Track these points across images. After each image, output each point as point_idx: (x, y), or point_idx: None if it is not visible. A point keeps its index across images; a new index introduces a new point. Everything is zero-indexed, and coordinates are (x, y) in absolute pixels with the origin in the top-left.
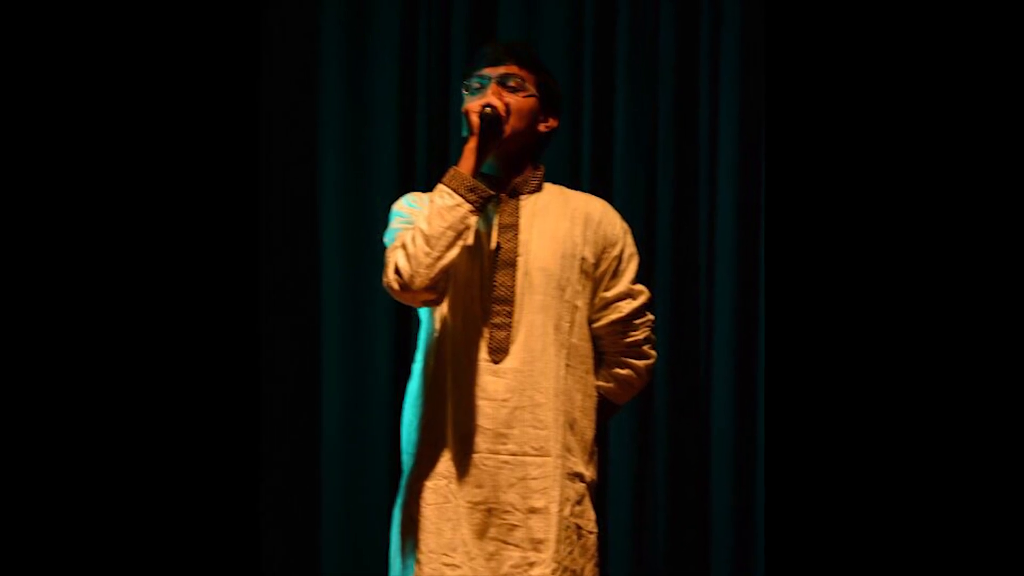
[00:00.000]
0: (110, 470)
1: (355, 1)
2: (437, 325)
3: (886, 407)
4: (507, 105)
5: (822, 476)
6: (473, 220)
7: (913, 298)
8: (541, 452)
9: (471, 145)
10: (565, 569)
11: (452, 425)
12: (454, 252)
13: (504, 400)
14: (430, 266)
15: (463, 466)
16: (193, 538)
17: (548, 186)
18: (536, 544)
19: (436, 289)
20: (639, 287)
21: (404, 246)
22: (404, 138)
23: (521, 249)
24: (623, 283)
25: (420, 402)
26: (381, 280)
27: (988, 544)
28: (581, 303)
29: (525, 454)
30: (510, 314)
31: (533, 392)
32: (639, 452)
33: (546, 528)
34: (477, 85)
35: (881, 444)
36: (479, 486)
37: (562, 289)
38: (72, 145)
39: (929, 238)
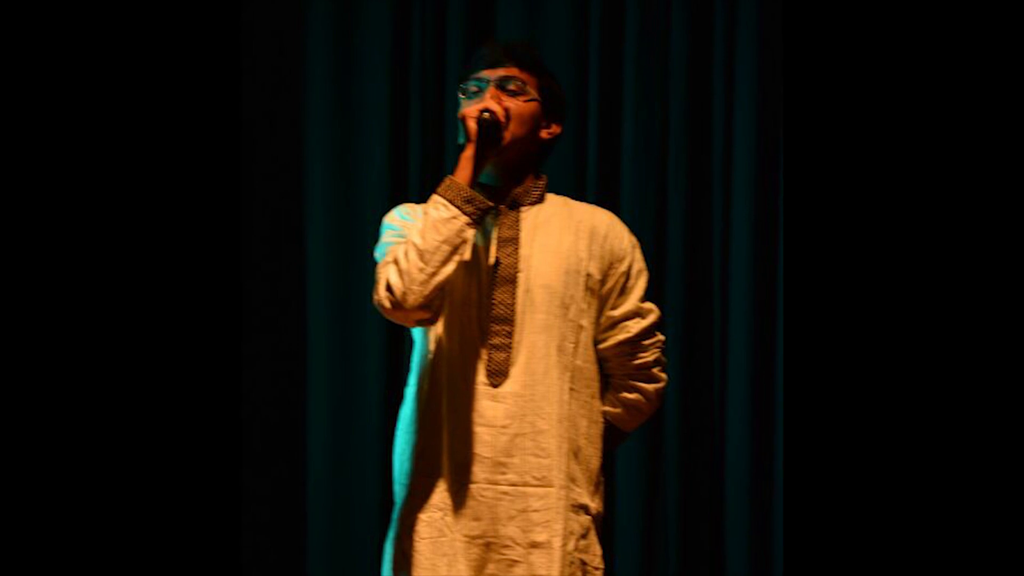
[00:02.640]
0: (79, 503)
1: None
2: (432, 346)
3: (916, 436)
4: (507, 110)
5: (844, 508)
6: (470, 233)
7: (943, 316)
8: (543, 482)
9: (468, 153)
10: None
11: (448, 453)
12: (450, 268)
13: (504, 426)
14: (424, 283)
15: (459, 497)
16: None
17: (551, 197)
18: None
19: (431, 307)
20: (648, 305)
21: (396, 261)
22: (396, 145)
23: (522, 264)
24: (631, 301)
25: (413, 429)
26: (372, 298)
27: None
28: (586, 322)
29: (526, 484)
30: (510, 334)
31: (535, 418)
32: (648, 482)
33: (549, 564)
34: (474, 88)
35: (912, 478)
36: (477, 519)
37: (566, 307)
38: (44, 158)
39: (959, 255)
